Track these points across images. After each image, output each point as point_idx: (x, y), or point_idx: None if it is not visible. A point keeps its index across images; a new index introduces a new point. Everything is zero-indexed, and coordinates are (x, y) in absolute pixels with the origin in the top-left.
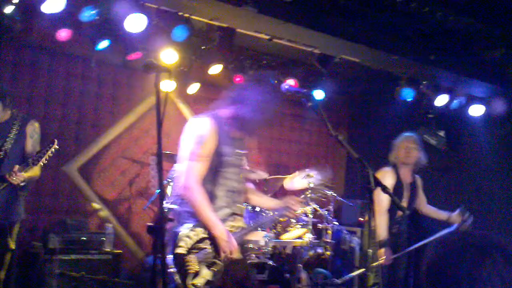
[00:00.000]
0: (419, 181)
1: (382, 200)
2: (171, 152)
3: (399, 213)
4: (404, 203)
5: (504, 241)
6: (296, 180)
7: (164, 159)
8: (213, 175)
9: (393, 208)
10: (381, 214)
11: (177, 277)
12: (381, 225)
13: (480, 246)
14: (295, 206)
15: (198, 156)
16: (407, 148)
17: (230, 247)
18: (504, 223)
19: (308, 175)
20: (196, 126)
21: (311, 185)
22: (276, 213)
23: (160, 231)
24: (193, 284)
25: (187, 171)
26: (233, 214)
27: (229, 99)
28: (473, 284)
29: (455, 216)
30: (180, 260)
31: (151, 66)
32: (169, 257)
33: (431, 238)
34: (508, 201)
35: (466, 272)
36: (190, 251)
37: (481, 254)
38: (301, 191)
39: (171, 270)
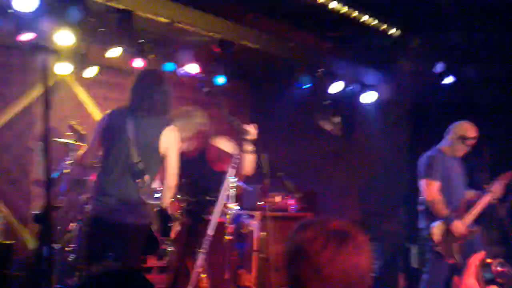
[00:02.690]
0: None
1: None
2: (67, 140)
3: None
4: None
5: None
6: None
7: (59, 146)
8: None
9: None
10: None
11: None
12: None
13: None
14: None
15: None
16: None
17: None
18: (395, 206)
19: None
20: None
21: None
22: None
23: (47, 219)
24: None
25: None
26: None
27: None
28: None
29: None
30: None
31: (37, 47)
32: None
33: None
34: (400, 184)
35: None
36: None
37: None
38: None
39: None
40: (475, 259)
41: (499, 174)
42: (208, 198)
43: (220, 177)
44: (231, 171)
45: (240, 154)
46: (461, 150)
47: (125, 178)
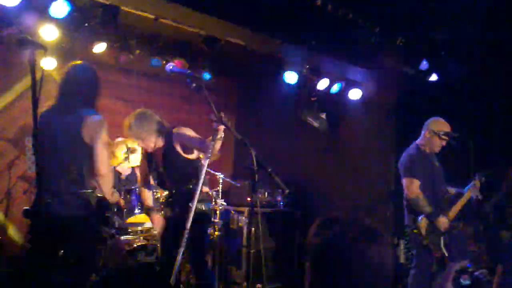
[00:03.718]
0: None
1: None
2: None
3: None
4: None
5: (381, 226)
6: None
7: None
8: None
9: None
10: None
11: None
12: None
13: (370, 231)
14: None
15: None
16: None
17: None
18: (382, 202)
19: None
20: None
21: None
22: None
23: (37, 214)
24: None
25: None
26: None
27: None
28: (363, 266)
29: None
30: None
31: (25, 42)
32: None
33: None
34: (386, 180)
35: (358, 256)
36: None
37: (369, 236)
38: None
39: None
40: (456, 266)
41: (481, 170)
42: (191, 186)
43: (194, 165)
44: (206, 159)
45: (214, 142)
46: (438, 145)
47: (54, 171)
